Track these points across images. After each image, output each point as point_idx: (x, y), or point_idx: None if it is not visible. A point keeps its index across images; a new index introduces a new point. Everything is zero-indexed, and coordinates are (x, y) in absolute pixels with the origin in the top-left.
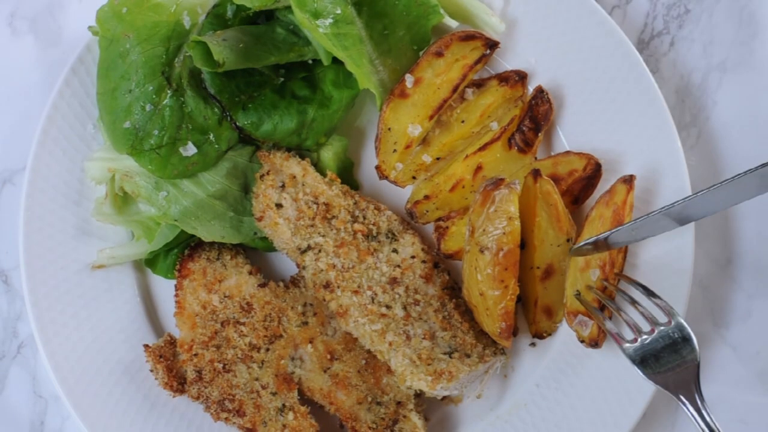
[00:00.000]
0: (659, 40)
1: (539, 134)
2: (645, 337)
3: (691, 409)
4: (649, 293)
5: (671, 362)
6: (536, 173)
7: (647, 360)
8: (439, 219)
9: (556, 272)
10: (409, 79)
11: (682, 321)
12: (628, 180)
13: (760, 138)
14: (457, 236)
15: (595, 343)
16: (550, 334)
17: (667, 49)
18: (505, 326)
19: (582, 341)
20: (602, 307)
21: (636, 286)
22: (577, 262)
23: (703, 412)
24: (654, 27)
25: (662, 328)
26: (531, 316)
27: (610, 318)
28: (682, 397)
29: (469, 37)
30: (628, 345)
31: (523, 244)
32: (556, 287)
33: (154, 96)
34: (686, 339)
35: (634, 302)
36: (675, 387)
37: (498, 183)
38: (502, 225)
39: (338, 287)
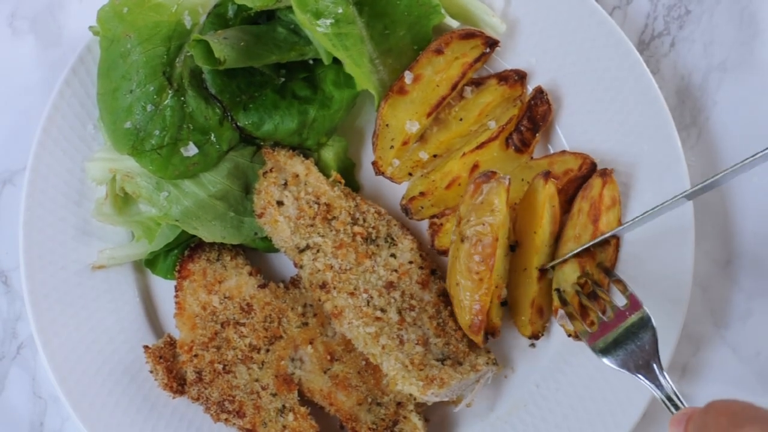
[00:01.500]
0: (660, 40)
1: (537, 135)
2: (611, 331)
3: (651, 383)
4: (616, 281)
5: (631, 346)
6: (546, 175)
7: (611, 349)
8: (433, 216)
9: (546, 272)
10: (408, 76)
11: (643, 306)
12: (604, 173)
13: (760, 138)
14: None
15: (578, 337)
16: (543, 335)
17: (667, 50)
18: (477, 321)
19: (569, 335)
20: (590, 297)
21: (606, 274)
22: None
23: (663, 383)
24: (654, 28)
25: (627, 318)
26: (527, 317)
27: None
28: (640, 375)
29: (469, 36)
30: (596, 341)
31: (514, 247)
32: (548, 287)
33: (155, 96)
34: (646, 323)
35: (604, 294)
36: (636, 368)
37: (489, 176)
38: (485, 216)
39: (334, 288)
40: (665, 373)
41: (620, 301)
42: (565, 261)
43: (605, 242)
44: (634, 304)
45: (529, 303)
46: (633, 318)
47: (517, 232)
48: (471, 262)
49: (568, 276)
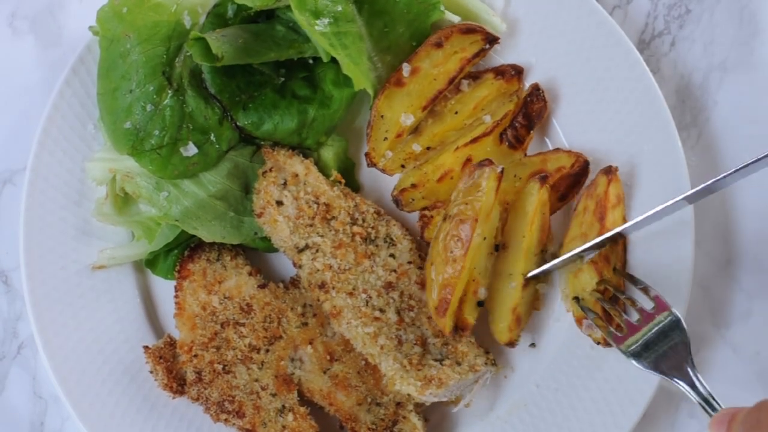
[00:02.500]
0: (660, 40)
1: (531, 131)
2: (640, 332)
3: (686, 385)
4: (638, 284)
5: (662, 347)
6: (543, 179)
7: (642, 352)
8: (424, 208)
9: (530, 282)
10: (406, 68)
11: (671, 307)
12: (609, 171)
13: (761, 138)
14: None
15: (608, 344)
16: (517, 344)
17: (667, 49)
18: (445, 303)
19: (598, 343)
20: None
21: (627, 279)
22: (570, 267)
23: (698, 386)
24: (655, 27)
25: (655, 319)
26: (506, 324)
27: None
28: (676, 379)
29: (469, 31)
30: (625, 343)
31: (498, 247)
32: (529, 297)
33: (154, 96)
34: (676, 324)
35: (628, 298)
36: (669, 370)
37: (484, 164)
38: (470, 197)
39: (333, 288)
40: (699, 375)
41: (644, 303)
42: (567, 263)
43: (614, 242)
44: (661, 305)
45: (511, 309)
46: (662, 318)
47: (505, 233)
48: (449, 241)
49: (585, 283)
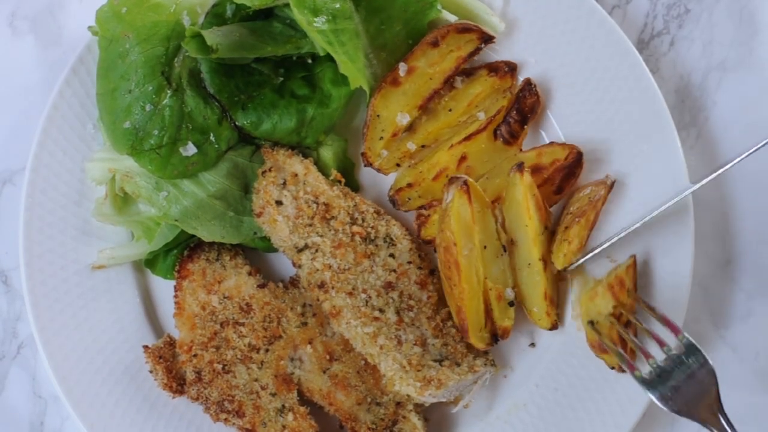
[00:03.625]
0: (659, 39)
1: (525, 127)
2: (659, 364)
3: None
4: (657, 315)
5: (689, 389)
6: (520, 167)
7: (662, 386)
8: (421, 207)
9: (548, 262)
10: (402, 68)
11: (695, 342)
12: (606, 182)
13: (760, 138)
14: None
15: (622, 369)
16: (560, 324)
17: (666, 49)
18: (464, 325)
19: (613, 368)
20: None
21: (644, 308)
22: (585, 288)
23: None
24: (654, 27)
25: (674, 353)
26: (543, 310)
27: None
28: (708, 424)
29: (465, 30)
30: (641, 374)
31: (505, 247)
32: (553, 276)
33: (153, 96)
34: (700, 362)
35: (644, 329)
36: (699, 415)
37: (452, 180)
38: (444, 224)
39: (333, 288)
40: (733, 424)
41: (659, 331)
42: (592, 289)
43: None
44: (673, 331)
45: (542, 296)
46: (684, 356)
47: (508, 230)
48: (444, 269)
49: (601, 307)
